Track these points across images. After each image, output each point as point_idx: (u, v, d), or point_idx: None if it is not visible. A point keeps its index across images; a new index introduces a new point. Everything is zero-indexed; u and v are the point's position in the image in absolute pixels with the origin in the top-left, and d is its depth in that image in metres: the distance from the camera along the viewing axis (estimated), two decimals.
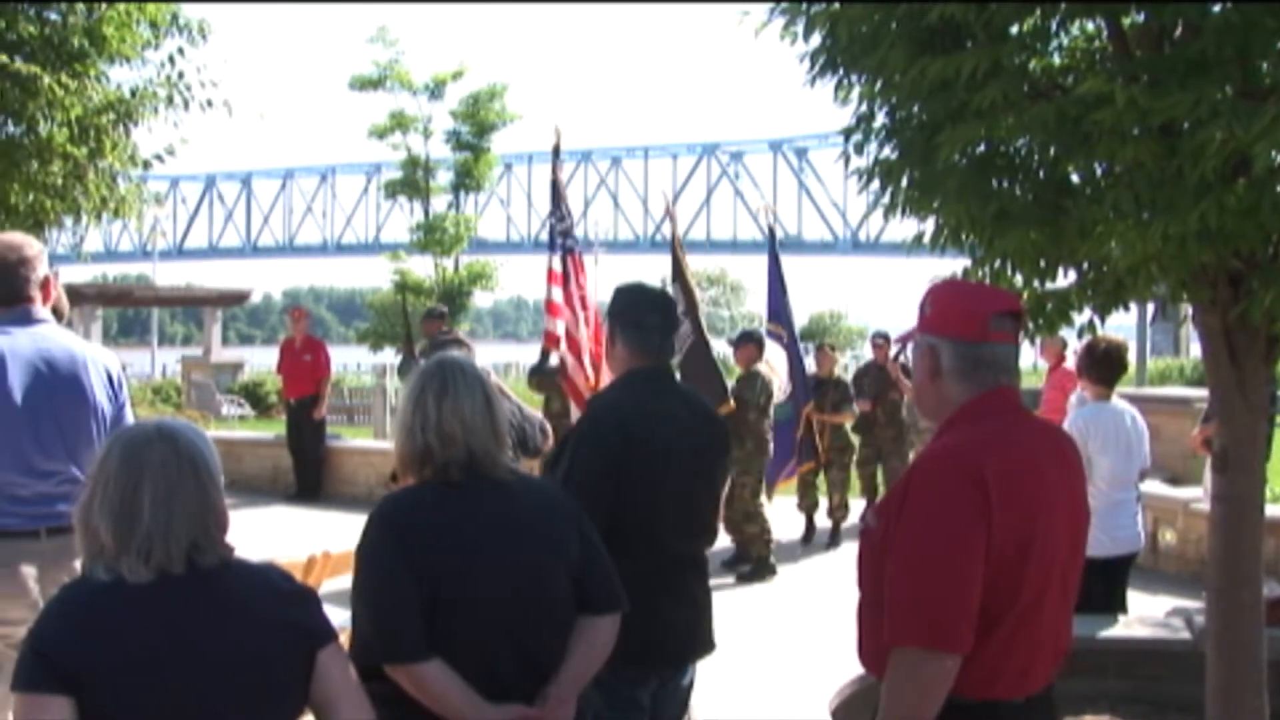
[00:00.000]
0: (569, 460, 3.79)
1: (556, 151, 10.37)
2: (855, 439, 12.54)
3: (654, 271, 60.54)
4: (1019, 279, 5.18)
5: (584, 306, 9.75)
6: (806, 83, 5.60)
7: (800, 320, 14.56)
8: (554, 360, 9.93)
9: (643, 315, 3.99)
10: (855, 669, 4.32)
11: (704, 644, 4.04)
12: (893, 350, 12.09)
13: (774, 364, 10.87)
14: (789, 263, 12.80)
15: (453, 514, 2.98)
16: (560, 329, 9.75)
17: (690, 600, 3.97)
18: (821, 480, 12.15)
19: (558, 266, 9.78)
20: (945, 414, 2.88)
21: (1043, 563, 2.71)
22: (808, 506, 11.95)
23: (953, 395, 2.86)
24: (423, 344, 11.04)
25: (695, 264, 61.70)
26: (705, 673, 4.30)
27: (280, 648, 2.52)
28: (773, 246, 12.25)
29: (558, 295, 9.78)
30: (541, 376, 10.83)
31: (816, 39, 5.28)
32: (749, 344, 10.72)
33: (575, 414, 9.46)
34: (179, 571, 2.44)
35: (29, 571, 3.97)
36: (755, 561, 10.38)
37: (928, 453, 2.86)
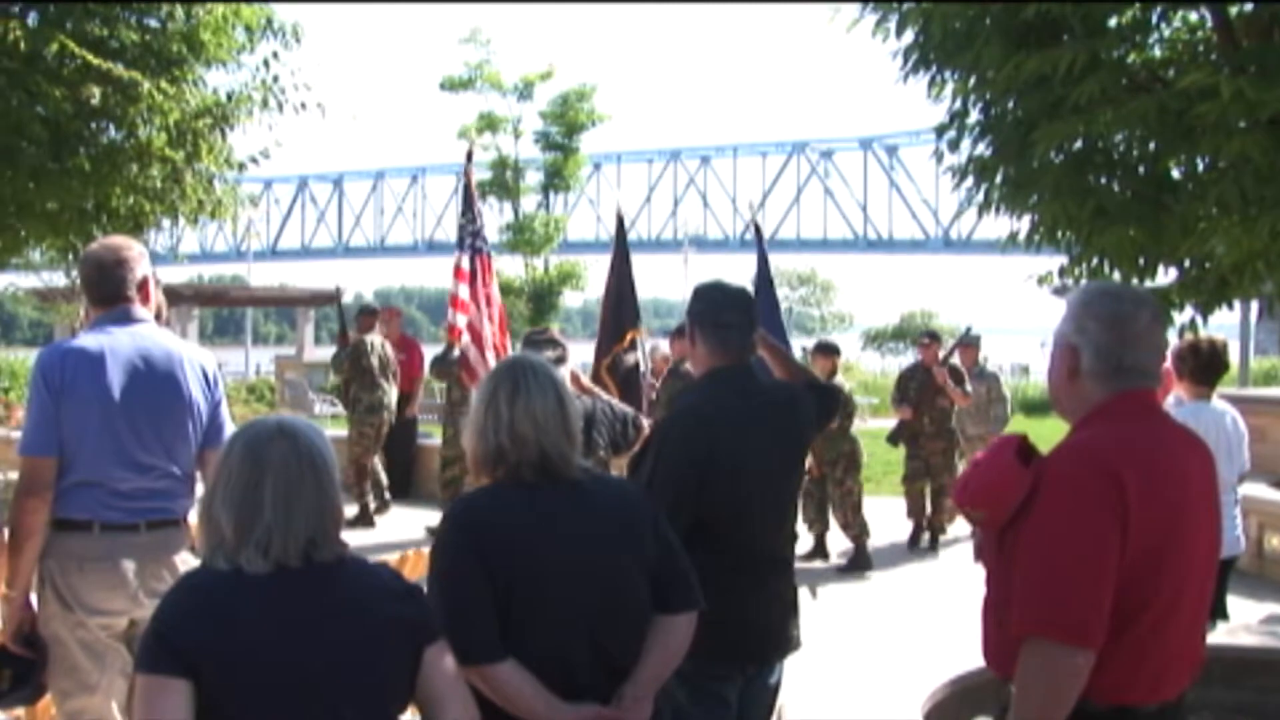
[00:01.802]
0: (652, 460, 3.77)
1: (469, 157, 11.19)
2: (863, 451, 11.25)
3: (743, 271, 60.34)
4: (1117, 277, 5.08)
5: (488, 303, 10.51)
6: (899, 79, 5.55)
7: (891, 319, 14.43)
8: (456, 352, 10.72)
9: (722, 314, 3.95)
10: (948, 671, 4.27)
11: (790, 642, 4.01)
12: (940, 352, 11.59)
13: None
14: (880, 261, 12.89)
15: (525, 514, 2.98)
16: (463, 323, 10.51)
17: (776, 598, 3.94)
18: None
19: (465, 265, 10.51)
20: (1082, 413, 2.83)
21: (1179, 567, 2.67)
22: (916, 511, 11.79)
23: (1091, 395, 2.80)
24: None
25: (785, 263, 61.82)
26: (794, 671, 4.26)
27: (389, 643, 2.57)
28: (760, 247, 11.98)
29: (464, 292, 10.49)
30: (442, 366, 11.56)
31: (909, 35, 5.24)
32: (828, 355, 10.82)
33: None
34: (296, 565, 2.50)
35: (128, 565, 4.04)
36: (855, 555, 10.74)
37: (1062, 449, 2.78)
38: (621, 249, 11.27)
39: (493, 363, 10.05)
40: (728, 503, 3.75)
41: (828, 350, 11.05)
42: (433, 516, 12.64)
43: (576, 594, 2.95)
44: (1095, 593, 2.56)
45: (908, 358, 11.57)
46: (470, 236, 10.71)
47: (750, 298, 4.11)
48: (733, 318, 3.94)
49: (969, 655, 2.99)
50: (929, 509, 11.63)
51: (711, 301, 4.00)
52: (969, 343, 12.35)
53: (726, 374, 3.93)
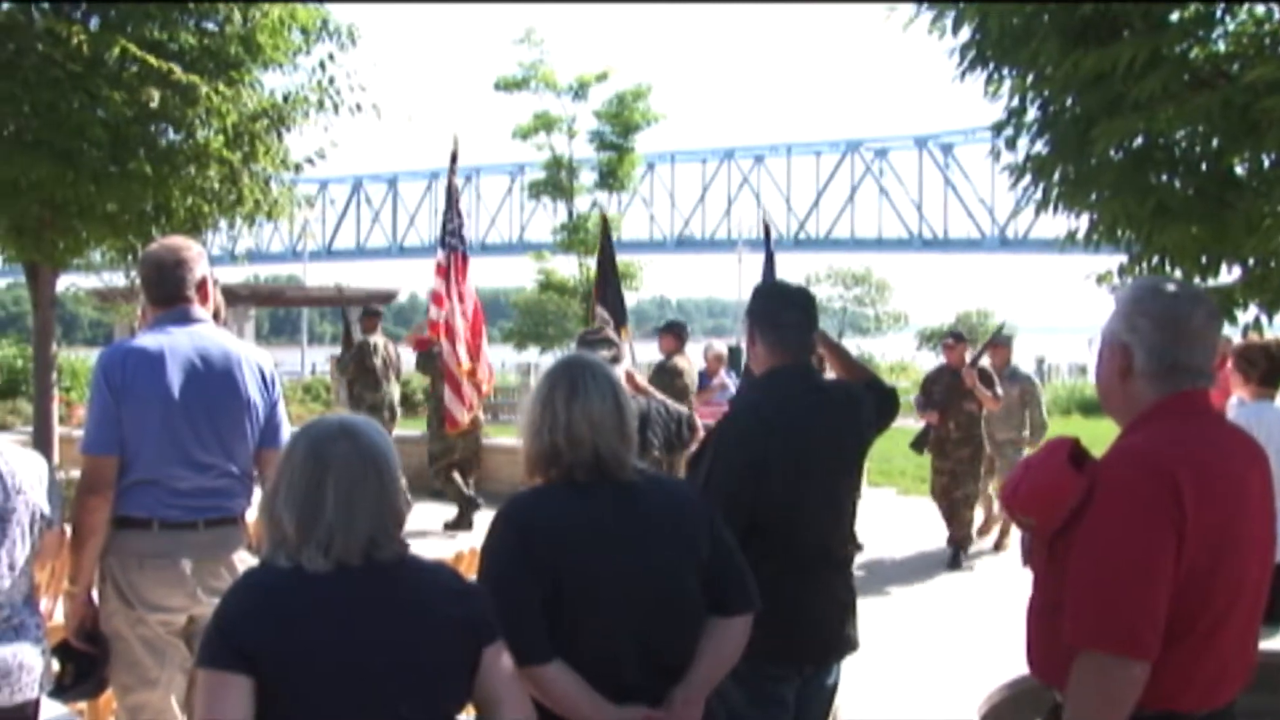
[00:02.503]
0: (710, 460, 3.75)
1: (454, 158, 11.42)
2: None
3: (797, 269, 60.17)
4: (1178, 275, 5.01)
5: (461, 299, 10.98)
6: (955, 77, 5.51)
7: (946, 319, 14.41)
8: (437, 349, 11.26)
9: (781, 313, 3.93)
10: (1004, 675, 4.22)
11: (848, 643, 3.98)
12: (969, 353, 11.00)
13: None
14: (935, 260, 12.86)
15: (577, 515, 2.96)
16: (441, 317, 10.97)
17: (834, 599, 3.91)
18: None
19: (443, 261, 11.03)
20: (1133, 414, 2.76)
21: (1234, 572, 2.60)
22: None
23: (1144, 395, 2.75)
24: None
25: (839, 262, 61.57)
26: (851, 673, 4.24)
27: (448, 642, 2.58)
28: (768, 247, 12.50)
29: (442, 287, 11.00)
30: (427, 361, 11.86)
31: (966, 33, 5.20)
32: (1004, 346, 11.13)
33: (449, 396, 11.03)
34: (356, 564, 2.51)
35: (187, 562, 4.08)
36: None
37: (1116, 452, 2.71)
38: (608, 252, 12.16)
39: (463, 356, 10.86)
40: (786, 503, 3.72)
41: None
42: (489, 516, 12.71)
43: (627, 595, 2.94)
44: (1151, 602, 2.50)
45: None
46: (450, 235, 11.23)
47: (810, 296, 4.08)
48: (792, 317, 3.92)
49: (1023, 659, 2.94)
50: (969, 518, 11.12)
51: (771, 301, 3.98)
52: (1000, 342, 11.70)
53: (785, 373, 3.90)
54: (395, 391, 13.41)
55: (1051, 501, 2.68)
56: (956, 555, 10.89)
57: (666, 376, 11.50)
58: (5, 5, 10.35)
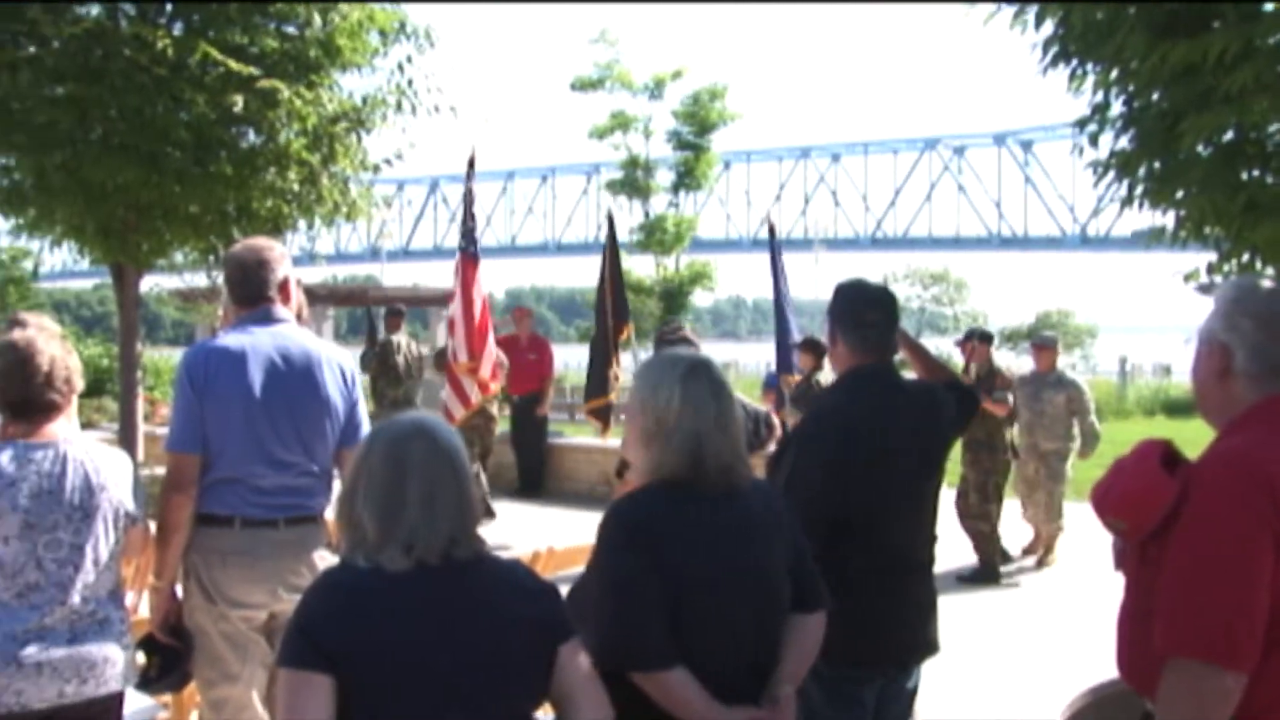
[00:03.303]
0: (792, 460, 3.72)
1: (471, 164, 11.69)
2: None
3: (876, 268, 59.73)
4: (1270, 273, 4.89)
5: (468, 300, 11.34)
6: (1038, 73, 5.44)
7: (1026, 319, 14.27)
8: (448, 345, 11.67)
9: (863, 313, 3.89)
10: (1087, 680, 4.15)
11: (928, 646, 3.93)
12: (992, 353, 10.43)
13: None
14: (1014, 259, 12.70)
15: (694, 517, 2.94)
16: (446, 316, 11.65)
17: (914, 601, 3.88)
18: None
19: (458, 263, 11.52)
20: (1231, 415, 2.68)
21: None
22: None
23: (1243, 397, 2.66)
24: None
25: (916, 262, 61.12)
26: (931, 677, 4.19)
27: (524, 640, 2.57)
28: (773, 247, 13.20)
29: (456, 287, 11.48)
30: (439, 360, 12.25)
31: (1048, 27, 5.12)
32: (980, 343, 10.55)
33: (447, 391, 11.33)
34: (435, 563, 2.51)
35: (269, 560, 4.12)
36: (982, 564, 10.30)
37: (1212, 455, 2.62)
38: (613, 250, 12.56)
39: (461, 353, 11.22)
40: (867, 503, 3.69)
41: (980, 338, 10.63)
42: (565, 515, 12.77)
43: (738, 597, 2.92)
44: (1247, 611, 2.40)
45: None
46: (464, 238, 11.60)
47: (892, 296, 4.03)
48: (874, 316, 3.88)
49: (1105, 665, 2.87)
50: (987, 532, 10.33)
51: (852, 300, 3.94)
52: (976, 338, 10.72)
53: (867, 373, 3.87)
54: (419, 389, 13.72)
55: (1144, 505, 2.61)
56: (981, 572, 10.24)
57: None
58: (94, 11, 10.55)
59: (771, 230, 13.65)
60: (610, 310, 12.12)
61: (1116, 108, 5.20)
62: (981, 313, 63.69)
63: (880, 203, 70.22)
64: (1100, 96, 5.20)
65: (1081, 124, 5.47)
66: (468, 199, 11.84)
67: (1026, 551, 11.04)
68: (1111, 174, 5.32)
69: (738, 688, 2.90)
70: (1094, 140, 5.45)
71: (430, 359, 13.97)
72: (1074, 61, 5.17)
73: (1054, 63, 5.27)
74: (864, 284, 4.02)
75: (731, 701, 2.87)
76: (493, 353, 11.59)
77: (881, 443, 3.74)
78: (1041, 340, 11.32)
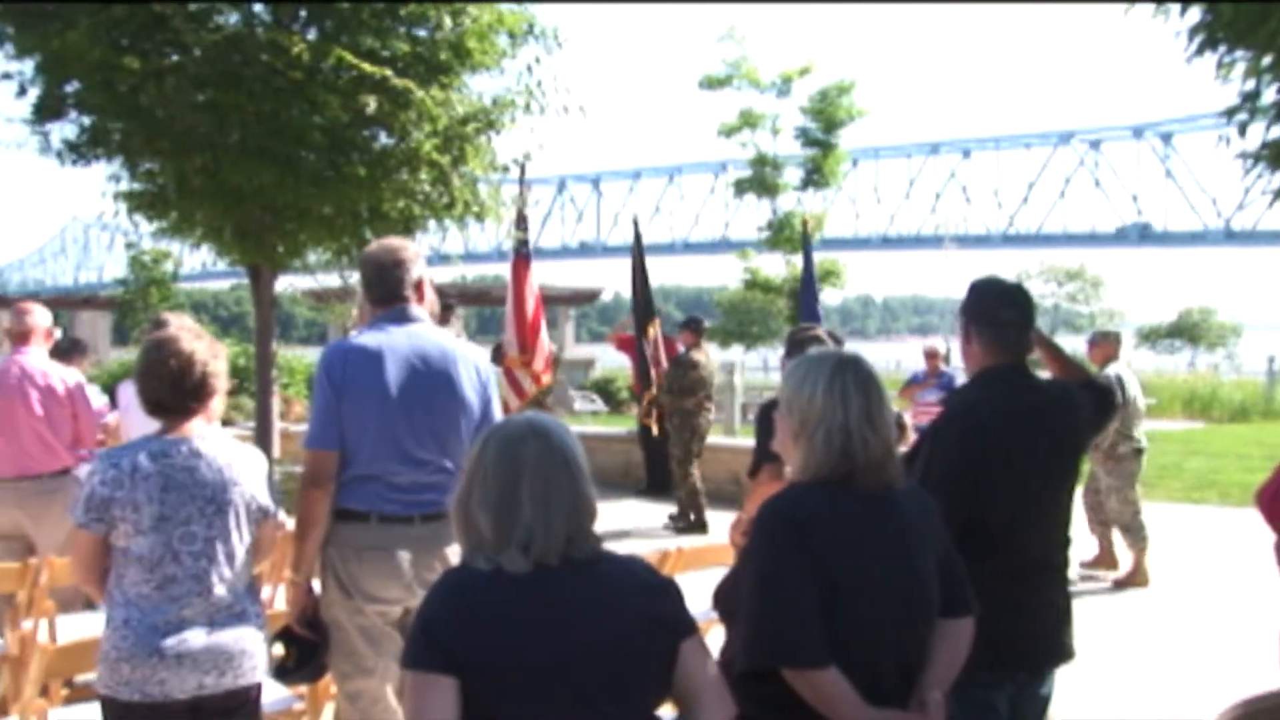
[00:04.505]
0: (924, 460, 3.66)
1: (523, 170, 12.34)
2: None
3: (1008, 266, 58.69)
4: None
5: (521, 298, 12.27)
6: (1181, 62, 5.28)
7: (1167, 316, 13.97)
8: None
9: (997, 310, 3.81)
10: (1237, 688, 4.01)
11: (1062, 651, 3.84)
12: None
13: None
14: (1153, 255, 12.41)
15: (847, 515, 2.91)
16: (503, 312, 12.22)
17: (1048, 605, 3.79)
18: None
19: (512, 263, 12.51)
20: None
21: None
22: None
23: None
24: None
25: (1050, 258, 59.96)
26: (1067, 683, 4.10)
27: (646, 638, 2.57)
28: (806, 247, 14.67)
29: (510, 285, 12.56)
30: (499, 355, 12.50)
31: (1194, 14, 4.97)
32: (1105, 342, 10.40)
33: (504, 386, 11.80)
34: (554, 563, 2.52)
35: (403, 555, 4.17)
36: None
37: None
38: (638, 252, 13.57)
39: (515, 349, 12.12)
40: (1001, 506, 3.61)
41: (1106, 338, 10.56)
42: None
43: (892, 597, 2.89)
44: None
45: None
46: (519, 243, 12.64)
47: (1028, 294, 3.94)
48: (1009, 315, 3.80)
49: (1250, 671, 2.76)
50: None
51: (987, 298, 3.85)
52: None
53: (1002, 373, 3.79)
54: None
55: None
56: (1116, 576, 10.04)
57: (682, 369, 12.54)
58: (232, 20, 10.82)
59: (805, 232, 15.02)
60: (639, 309, 13.14)
61: (1268, 96, 5.03)
62: (1119, 311, 62.29)
63: (1012, 198, 69.14)
64: (1251, 85, 5.03)
65: (1230, 113, 5.30)
66: (522, 202, 12.59)
67: (1093, 564, 10.39)
68: (1261, 165, 5.15)
69: (885, 689, 2.87)
70: (1243, 130, 5.28)
71: (489, 354, 14.23)
72: (1222, 49, 5.00)
73: (1200, 51, 5.11)
74: (999, 282, 3.94)
75: (878, 703, 2.83)
76: (544, 347, 12.29)
77: (1016, 443, 3.66)
78: (1095, 336, 10.97)
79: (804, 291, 13.90)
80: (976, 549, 3.48)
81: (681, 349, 12.94)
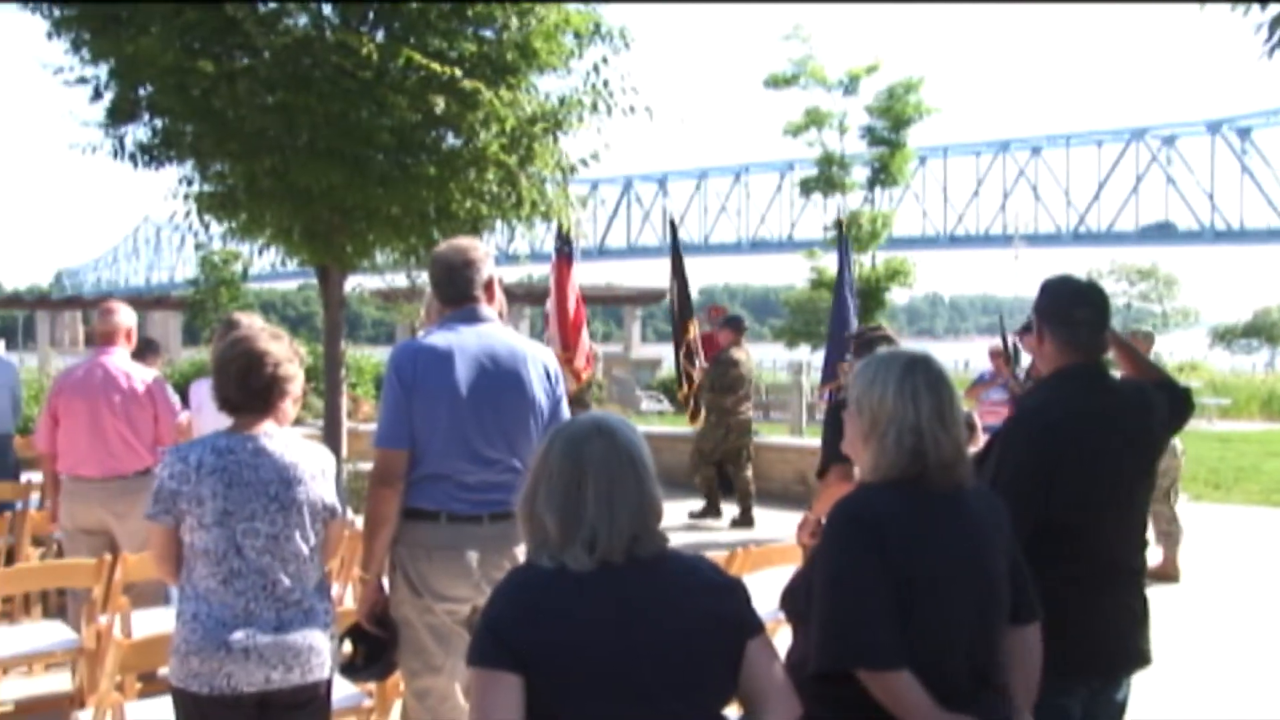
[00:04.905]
0: (996, 462, 3.61)
1: (568, 171, 12.30)
2: None
3: (1079, 264, 57.98)
4: None
5: (562, 296, 12.68)
6: (1261, 55, 5.18)
7: (1243, 315, 13.79)
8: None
9: (1071, 310, 3.75)
10: None
11: (1139, 657, 3.78)
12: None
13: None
14: (1229, 253, 12.24)
15: (919, 515, 2.89)
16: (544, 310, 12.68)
17: (1124, 609, 3.73)
18: None
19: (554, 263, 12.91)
20: None
21: None
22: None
23: None
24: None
25: (1122, 256, 59.26)
26: (1143, 689, 4.03)
27: (712, 637, 2.56)
28: (842, 248, 14.57)
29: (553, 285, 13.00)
30: None
31: (1275, 8, 4.86)
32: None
33: None
34: (619, 561, 2.52)
35: (472, 554, 4.19)
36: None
37: None
38: (676, 253, 13.88)
39: (557, 346, 12.31)
40: (1076, 509, 3.56)
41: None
42: (761, 514, 12.70)
43: (961, 598, 2.87)
44: None
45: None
46: (558, 239, 13.07)
47: (1103, 293, 3.88)
48: (1084, 314, 3.73)
49: None
50: None
51: (1061, 297, 3.79)
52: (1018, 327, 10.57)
53: (1076, 373, 3.72)
54: None
55: None
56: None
57: (723, 368, 12.88)
58: (301, 21, 10.92)
59: (840, 233, 15.35)
60: (678, 309, 13.52)
61: None
62: (1193, 309, 61.43)
63: (1083, 196, 68.28)
64: None
65: None
66: (571, 206, 12.66)
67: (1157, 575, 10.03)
68: None
69: (956, 691, 2.84)
70: None
71: None
72: None
73: None
74: (1073, 280, 3.89)
75: (950, 705, 2.80)
76: (586, 344, 12.74)
77: (1090, 444, 3.60)
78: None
79: (839, 291, 14.07)
80: (1049, 552, 3.43)
81: (723, 347, 13.25)
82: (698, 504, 13.26)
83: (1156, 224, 65.11)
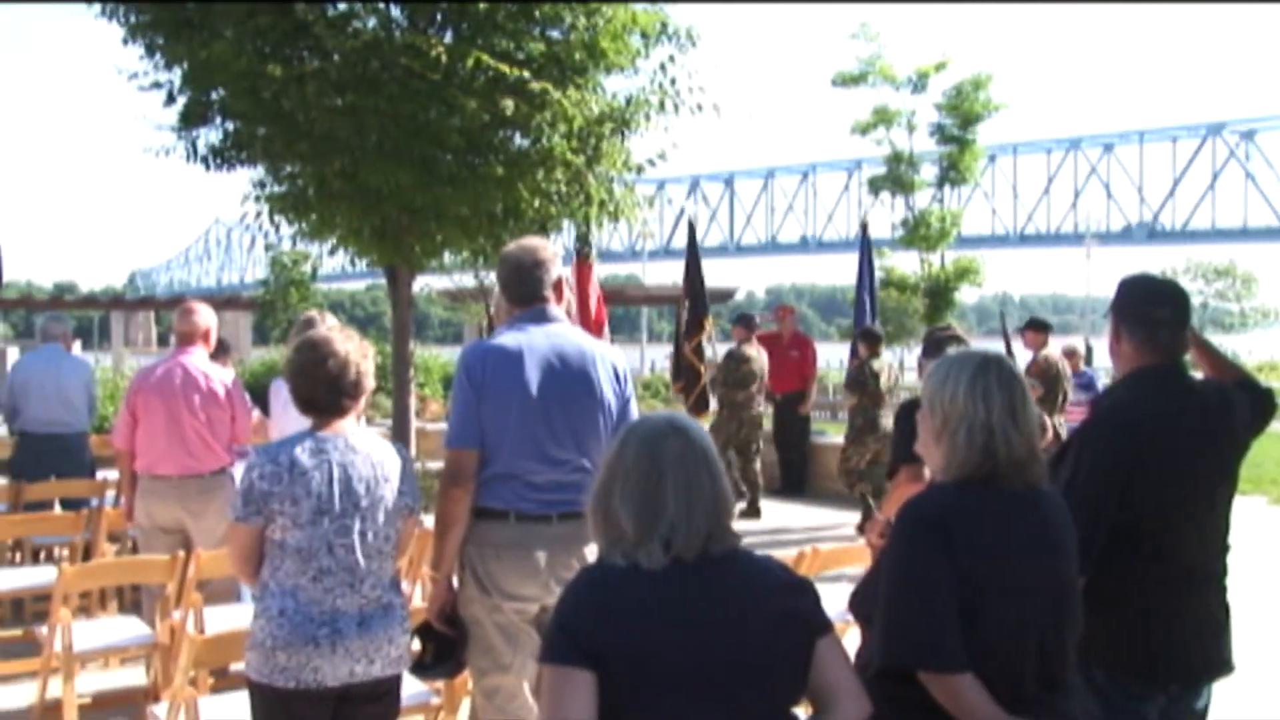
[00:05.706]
0: (1074, 464, 3.55)
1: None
2: None
3: (1152, 262, 57.13)
4: None
5: (584, 295, 12.28)
6: None
7: None
8: None
9: (1149, 309, 3.68)
10: None
11: (1219, 664, 3.69)
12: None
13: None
14: None
15: (990, 515, 2.87)
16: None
17: (1204, 614, 3.65)
18: None
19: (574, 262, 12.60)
20: None
21: None
22: None
23: None
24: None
25: (1199, 254, 58.27)
26: (1224, 698, 3.92)
27: (782, 635, 2.56)
28: (865, 244, 14.94)
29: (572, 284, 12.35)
30: None
31: None
32: (1035, 332, 10.97)
33: None
34: (691, 559, 2.52)
35: (541, 553, 4.20)
36: None
37: None
38: (694, 252, 14.00)
39: None
40: (1155, 511, 3.49)
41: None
42: (828, 514, 12.66)
43: (1033, 599, 2.84)
44: None
45: None
46: (578, 239, 12.85)
47: (1182, 291, 3.80)
48: (1163, 313, 3.66)
49: None
50: None
51: (1139, 296, 3.72)
52: (1032, 327, 11.60)
53: (1155, 374, 3.65)
54: None
55: None
56: None
57: (736, 363, 13.16)
58: (370, 24, 11.02)
59: (864, 230, 15.65)
60: (695, 308, 13.62)
61: None
62: (1273, 308, 60.23)
63: (1157, 194, 67.36)
64: None
65: None
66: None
67: None
68: None
69: (1026, 695, 2.81)
70: None
71: None
72: None
73: None
74: (1151, 279, 3.82)
75: (1019, 710, 2.78)
76: (607, 341, 12.47)
77: (1169, 446, 3.53)
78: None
79: (858, 293, 14.55)
80: (1127, 555, 3.39)
81: (736, 343, 13.56)
82: (775, 503, 13.26)
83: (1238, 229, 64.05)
